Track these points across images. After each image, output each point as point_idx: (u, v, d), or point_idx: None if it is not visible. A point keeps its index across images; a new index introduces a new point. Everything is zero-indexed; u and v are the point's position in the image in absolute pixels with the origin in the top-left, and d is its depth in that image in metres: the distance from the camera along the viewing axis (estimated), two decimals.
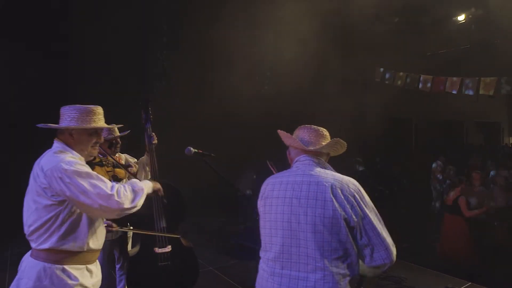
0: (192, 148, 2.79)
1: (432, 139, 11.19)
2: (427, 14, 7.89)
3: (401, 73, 8.77)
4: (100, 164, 2.21)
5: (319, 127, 1.90)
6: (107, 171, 2.24)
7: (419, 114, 9.46)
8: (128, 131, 3.63)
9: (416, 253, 5.39)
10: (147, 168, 3.45)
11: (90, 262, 1.98)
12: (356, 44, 8.28)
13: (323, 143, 1.84)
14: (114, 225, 3.08)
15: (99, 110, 2.05)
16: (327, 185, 1.67)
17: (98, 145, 2.08)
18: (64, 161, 1.83)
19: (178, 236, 3.38)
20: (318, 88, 8.68)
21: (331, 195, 1.64)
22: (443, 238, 5.43)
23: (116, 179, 2.25)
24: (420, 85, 8.50)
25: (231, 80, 7.95)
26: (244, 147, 8.98)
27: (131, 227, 3.20)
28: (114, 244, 3.51)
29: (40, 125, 1.98)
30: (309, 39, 7.64)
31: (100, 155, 2.32)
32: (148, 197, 2.10)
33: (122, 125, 2.28)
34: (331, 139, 1.89)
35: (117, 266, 3.70)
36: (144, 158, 3.58)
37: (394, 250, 1.69)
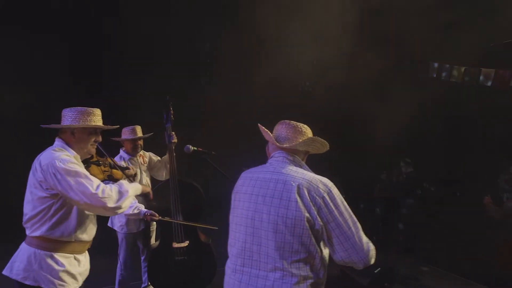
0: (190, 146, 2.88)
1: (501, 138, 10.09)
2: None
3: (458, 67, 8.06)
4: (97, 163, 2.37)
5: (298, 123, 1.83)
6: (103, 171, 2.39)
7: (483, 111, 8.60)
8: (151, 133, 3.84)
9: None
10: (168, 166, 3.62)
11: (79, 252, 2.16)
12: (407, 37, 7.76)
13: (300, 140, 1.78)
14: (156, 214, 3.27)
15: (98, 112, 2.24)
16: (293, 184, 1.62)
17: (96, 144, 2.27)
18: (59, 158, 2.01)
19: (216, 228, 3.43)
20: (365, 84, 8.31)
21: (296, 195, 1.60)
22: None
23: (111, 178, 2.42)
24: (481, 80, 7.75)
25: (273, 76, 7.94)
26: None
27: (168, 218, 3.39)
28: (137, 236, 3.73)
29: (44, 126, 2.21)
30: (353, 32, 7.35)
31: (99, 156, 2.49)
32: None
33: (118, 126, 2.43)
34: (313, 136, 1.83)
35: (142, 258, 3.92)
36: (166, 156, 3.76)
37: (369, 253, 1.62)
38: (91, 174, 2.25)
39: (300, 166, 1.76)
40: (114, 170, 2.46)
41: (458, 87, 8.20)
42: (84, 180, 1.98)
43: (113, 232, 3.73)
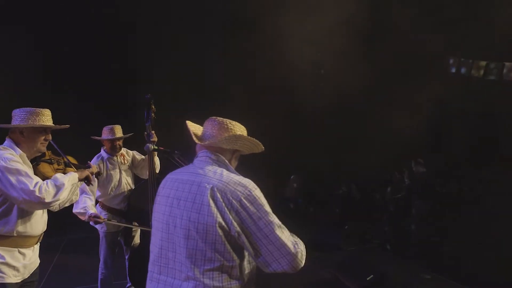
0: (150, 145, 2.82)
1: None
2: None
3: (479, 62, 7.59)
4: (49, 162, 2.39)
5: (225, 120, 1.70)
6: (56, 169, 2.42)
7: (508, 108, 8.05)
8: (131, 134, 3.84)
9: None
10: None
11: (23, 246, 2.19)
12: (425, 29, 7.38)
13: (223, 137, 1.65)
14: (101, 217, 3.31)
15: (47, 112, 2.30)
16: (207, 187, 1.50)
17: (47, 142, 2.32)
18: (1, 157, 2.07)
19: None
20: (377, 81, 8.00)
21: (209, 199, 1.47)
22: None
23: None
24: (505, 73, 7.27)
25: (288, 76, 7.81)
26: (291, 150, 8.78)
27: (114, 220, 3.44)
28: (116, 235, 3.72)
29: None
30: (365, 26, 7.08)
31: (54, 155, 2.51)
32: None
33: (68, 126, 2.42)
34: (242, 134, 1.69)
35: (126, 257, 3.91)
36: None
37: (297, 256, 1.48)
38: (40, 172, 2.30)
39: (225, 167, 1.63)
40: (68, 168, 2.47)
41: (476, 82, 7.73)
42: (24, 178, 2.04)
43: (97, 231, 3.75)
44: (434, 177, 7.36)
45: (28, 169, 2.13)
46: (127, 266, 3.93)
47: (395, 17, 7.11)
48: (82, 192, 3.34)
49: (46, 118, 2.26)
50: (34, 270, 2.34)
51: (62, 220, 5.31)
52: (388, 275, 4.19)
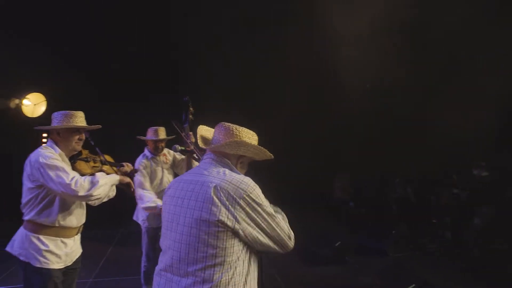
0: (177, 146, 2.92)
1: None
2: None
3: None
4: (85, 160, 2.59)
5: (233, 126, 1.74)
6: (93, 166, 2.62)
7: None
8: (174, 136, 4.01)
9: None
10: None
11: (65, 236, 2.43)
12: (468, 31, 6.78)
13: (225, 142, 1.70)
14: None
15: (80, 113, 2.52)
16: (210, 185, 1.56)
17: (81, 142, 2.52)
18: (43, 155, 2.34)
19: None
20: (434, 82, 7.53)
21: (212, 197, 1.53)
22: None
23: None
24: None
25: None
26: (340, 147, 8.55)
27: None
28: (158, 230, 3.91)
29: (36, 128, 2.58)
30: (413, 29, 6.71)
31: (92, 154, 2.71)
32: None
33: (99, 126, 2.60)
34: (250, 142, 1.73)
35: None
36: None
37: (291, 239, 1.69)
38: (77, 168, 2.52)
39: (228, 167, 1.69)
40: (105, 166, 2.66)
41: None
42: (62, 173, 2.28)
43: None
44: (498, 180, 6.74)
45: (66, 165, 2.36)
46: None
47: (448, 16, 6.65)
48: (141, 187, 3.61)
49: (79, 119, 2.48)
50: (77, 258, 2.57)
51: (119, 214, 5.76)
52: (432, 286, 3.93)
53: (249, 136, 1.77)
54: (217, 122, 1.84)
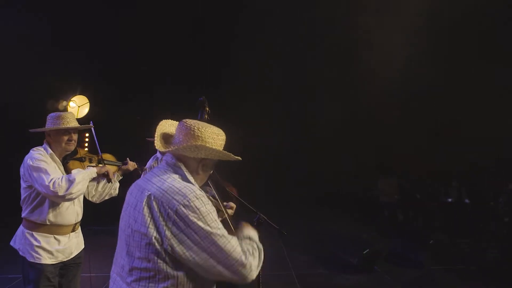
0: None
1: None
2: None
3: None
4: (80, 159, 2.64)
5: (196, 125, 1.54)
6: (88, 166, 2.65)
7: None
8: None
9: None
10: None
11: (58, 233, 2.50)
12: None
13: (184, 145, 1.53)
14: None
15: (69, 115, 2.59)
16: (146, 194, 1.44)
17: (72, 142, 2.57)
18: (31, 157, 2.44)
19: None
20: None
21: (144, 207, 1.42)
22: None
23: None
24: None
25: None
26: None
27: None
28: None
29: (31, 130, 2.63)
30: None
31: (92, 153, 2.77)
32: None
33: (92, 126, 2.64)
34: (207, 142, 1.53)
35: None
36: None
37: (245, 267, 1.39)
38: (70, 168, 2.58)
39: (181, 173, 1.53)
40: (99, 165, 2.69)
41: None
42: (43, 174, 2.36)
43: None
44: None
45: (50, 166, 2.42)
46: None
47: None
48: None
49: (66, 120, 2.52)
50: (77, 254, 2.62)
51: None
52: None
53: (213, 137, 1.56)
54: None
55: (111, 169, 2.75)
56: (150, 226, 1.39)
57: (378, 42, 6.82)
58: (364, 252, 4.91)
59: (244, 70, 7.65)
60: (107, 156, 2.84)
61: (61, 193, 2.30)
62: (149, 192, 1.44)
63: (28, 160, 2.41)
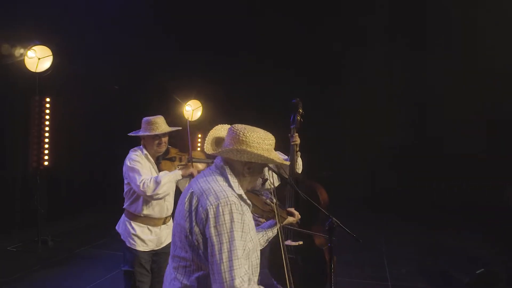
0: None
1: None
2: None
3: None
4: (170, 159, 2.90)
5: (242, 130, 1.61)
6: (178, 165, 2.92)
7: None
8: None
9: None
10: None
11: (151, 224, 2.85)
12: None
13: (228, 148, 1.63)
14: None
15: (158, 119, 2.82)
16: (190, 191, 1.61)
17: (162, 145, 2.87)
18: (129, 157, 2.82)
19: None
20: None
21: (186, 202, 1.59)
22: None
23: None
24: None
25: None
26: None
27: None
28: None
29: (130, 134, 2.99)
30: None
31: (181, 152, 3.01)
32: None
33: (180, 128, 2.87)
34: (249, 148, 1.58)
35: None
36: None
37: (225, 285, 1.43)
38: (162, 168, 2.85)
39: (226, 175, 1.62)
40: (189, 164, 2.89)
41: None
42: (136, 175, 2.70)
43: None
44: None
45: (143, 167, 2.76)
46: None
47: None
48: None
49: (156, 126, 2.77)
50: (168, 244, 2.91)
51: None
52: None
53: (258, 142, 1.60)
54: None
55: (199, 167, 2.94)
56: (187, 220, 1.55)
57: None
58: (478, 272, 4.24)
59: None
60: (197, 154, 3.04)
61: (148, 193, 2.63)
62: (192, 190, 1.60)
63: (126, 160, 2.79)
